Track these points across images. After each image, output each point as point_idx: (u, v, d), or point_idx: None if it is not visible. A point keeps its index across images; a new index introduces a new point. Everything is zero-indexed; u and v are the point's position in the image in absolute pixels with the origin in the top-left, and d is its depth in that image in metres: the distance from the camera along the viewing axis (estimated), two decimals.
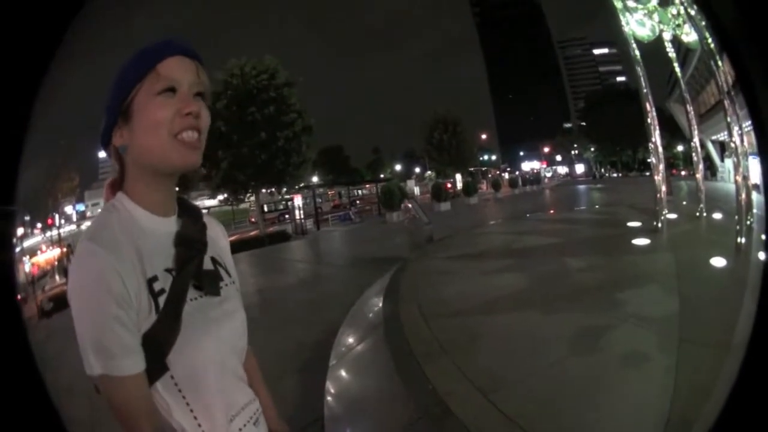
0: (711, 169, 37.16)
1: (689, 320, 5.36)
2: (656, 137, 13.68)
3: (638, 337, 5.29)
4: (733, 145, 11.73)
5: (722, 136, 14.52)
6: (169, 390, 1.04)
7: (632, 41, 14.24)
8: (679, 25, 15.34)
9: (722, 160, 30.90)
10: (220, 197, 29.68)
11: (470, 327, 6.29)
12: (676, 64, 16.74)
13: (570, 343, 5.40)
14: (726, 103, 11.80)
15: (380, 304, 7.91)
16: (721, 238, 10.59)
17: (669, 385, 3.92)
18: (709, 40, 13.88)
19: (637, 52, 14.33)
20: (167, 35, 1.22)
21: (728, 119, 11.70)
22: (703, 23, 13.25)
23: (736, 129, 11.94)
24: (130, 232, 1.05)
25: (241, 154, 25.21)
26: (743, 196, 10.33)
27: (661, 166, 13.49)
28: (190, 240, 1.15)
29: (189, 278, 1.10)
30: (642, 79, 14.06)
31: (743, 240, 9.30)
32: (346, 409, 4.80)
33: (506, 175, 71.77)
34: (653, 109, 13.92)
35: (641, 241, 10.92)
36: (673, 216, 13.53)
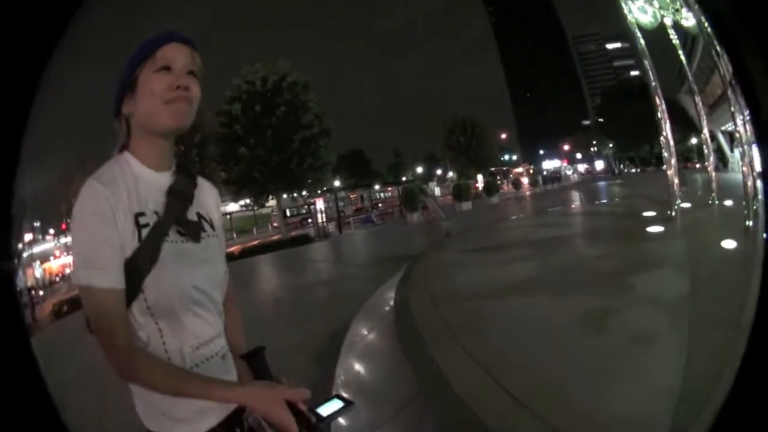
0: (723, 160, 36.61)
1: (700, 301, 5.39)
2: (667, 131, 13.74)
3: (648, 318, 5.34)
4: (737, 135, 11.79)
5: (731, 126, 14.30)
6: (143, 313, 1.23)
7: (636, 30, 14.25)
8: (677, 10, 15.29)
9: (732, 151, 30.33)
10: (242, 202, 30.12)
11: (479, 311, 6.38)
12: (681, 52, 16.58)
13: (579, 325, 5.46)
14: (729, 92, 11.69)
15: (394, 294, 8.04)
16: (730, 224, 10.60)
17: (680, 365, 3.95)
18: (707, 25, 13.82)
19: (642, 41, 14.36)
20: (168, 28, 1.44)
21: (732, 109, 11.70)
22: (698, 6, 13.23)
23: (740, 118, 11.80)
24: (127, 178, 1.28)
25: (256, 155, 25.65)
26: (749, 183, 10.35)
27: (674, 159, 13.58)
28: (177, 192, 1.36)
29: (171, 221, 1.30)
30: (650, 71, 14.08)
31: (751, 223, 9.47)
32: (352, 387, 4.94)
33: (525, 177, 71.07)
34: (663, 102, 13.92)
35: (656, 229, 10.97)
36: (686, 205, 13.62)
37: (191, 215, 1.38)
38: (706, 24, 13.74)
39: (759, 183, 12.22)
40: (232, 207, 34.21)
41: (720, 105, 25.29)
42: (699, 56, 28.39)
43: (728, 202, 13.52)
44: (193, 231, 1.36)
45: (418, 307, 6.81)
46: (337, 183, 55.87)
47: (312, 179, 28.32)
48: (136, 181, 1.29)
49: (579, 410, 3.66)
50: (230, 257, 20.63)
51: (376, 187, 61.20)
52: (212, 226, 1.45)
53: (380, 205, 49.40)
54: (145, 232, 1.24)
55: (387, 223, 31.97)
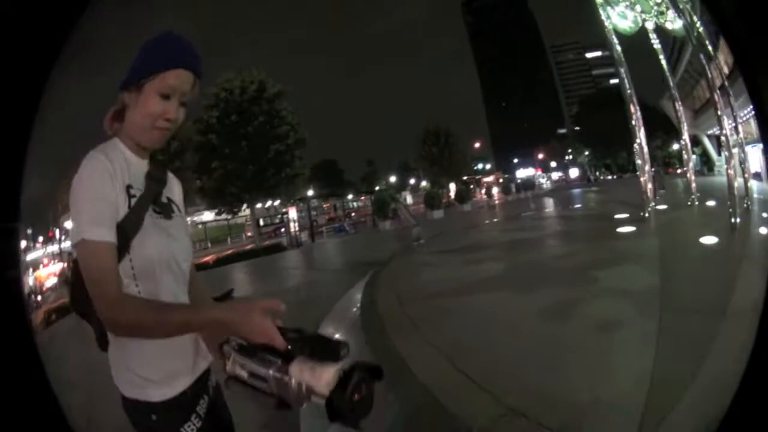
0: (708, 164, 36.72)
1: (670, 292, 5.74)
2: (641, 137, 14.01)
3: (613, 308, 5.63)
4: (723, 138, 12.08)
5: (717, 130, 14.46)
6: (127, 274, 1.44)
7: (614, 37, 14.39)
8: (662, 12, 15.40)
9: (719, 154, 30.75)
10: (216, 211, 30.07)
11: (442, 306, 6.64)
12: (662, 56, 16.77)
13: (541, 315, 5.74)
14: (716, 95, 12.08)
15: (361, 295, 8.24)
16: (708, 222, 11.09)
17: (648, 352, 4.17)
18: (698, 24, 13.99)
19: (619, 48, 14.44)
20: (186, 39, 1.52)
21: (718, 112, 11.98)
22: (689, 6, 13.56)
23: (727, 122, 12.28)
24: (119, 157, 1.50)
25: (231, 168, 25.72)
26: (736, 184, 10.74)
27: (647, 166, 13.99)
28: (154, 176, 1.61)
29: (151, 197, 1.55)
30: (626, 79, 14.21)
31: (738, 220, 9.83)
32: None
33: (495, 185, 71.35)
34: (638, 109, 14.15)
35: (627, 229, 11.34)
36: (663, 207, 14.22)
37: (163, 198, 1.63)
38: (699, 24, 14.11)
39: (754, 182, 12.63)
40: (207, 216, 34.04)
41: (707, 109, 25.92)
42: (686, 60, 28.86)
43: (710, 203, 14.02)
44: (166, 210, 1.61)
45: (383, 304, 7.06)
46: (310, 192, 55.86)
47: (285, 189, 28.42)
48: (125, 162, 1.51)
49: (539, 392, 3.84)
50: (205, 266, 20.70)
51: (349, 196, 61.36)
52: (179, 210, 1.70)
53: (353, 214, 49.53)
54: (133, 201, 1.47)
55: (359, 232, 32.16)
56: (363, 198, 55.97)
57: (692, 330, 4.63)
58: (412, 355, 4.95)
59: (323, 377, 1.20)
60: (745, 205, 11.62)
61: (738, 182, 11.45)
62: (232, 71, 27.59)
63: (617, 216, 13.91)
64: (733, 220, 9.88)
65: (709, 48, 14.55)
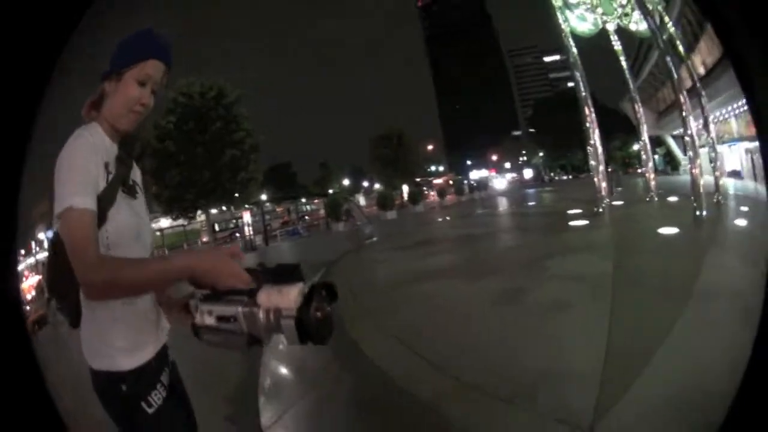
0: (672, 164, 37.50)
1: (622, 277, 6.19)
2: (596, 138, 14.42)
3: (566, 292, 5.99)
4: (688, 138, 12.28)
5: (681, 131, 14.71)
6: (102, 241, 1.57)
7: (570, 40, 14.72)
8: (626, 14, 15.81)
9: (685, 154, 31.06)
10: (172, 217, 29.71)
11: (395, 295, 7.03)
12: (622, 58, 17.24)
13: (494, 300, 6.08)
14: (682, 97, 12.24)
15: None
16: (665, 214, 11.82)
17: (600, 331, 4.44)
18: (669, 24, 14.65)
19: (575, 51, 14.74)
20: (164, 33, 1.70)
21: (683, 113, 12.18)
22: (660, 6, 13.90)
23: (693, 122, 12.54)
24: (99, 139, 1.66)
25: (187, 173, 25.58)
26: (703, 181, 11.14)
27: (601, 167, 14.42)
28: (123, 159, 1.75)
29: (121, 177, 1.71)
30: (581, 81, 14.53)
31: (704, 213, 10.40)
32: (274, 365, 5.28)
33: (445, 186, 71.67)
34: (593, 112, 14.49)
35: (580, 222, 11.78)
36: (619, 203, 14.75)
37: (130, 180, 1.84)
38: (670, 25, 14.38)
39: (731, 180, 12.93)
40: (164, 223, 33.50)
41: (672, 111, 25.78)
42: (652, 62, 29.25)
43: (672, 199, 14.56)
44: (132, 191, 1.82)
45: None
46: (264, 197, 55.44)
47: (240, 194, 28.34)
48: (103, 143, 1.67)
49: (492, 368, 4.11)
50: None
51: (303, 200, 61.17)
52: (141, 192, 1.93)
53: (307, 217, 49.47)
54: (110, 177, 1.64)
55: (313, 234, 32.21)
56: (317, 201, 55.93)
57: (644, 309, 5.00)
58: (365, 340, 5.19)
59: (290, 295, 1.25)
60: (715, 200, 12.06)
61: (705, 180, 11.74)
62: (190, 76, 27.49)
63: (570, 211, 14.29)
64: (698, 212, 10.38)
65: (680, 49, 15.14)
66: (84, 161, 1.55)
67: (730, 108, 20.26)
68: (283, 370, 5.20)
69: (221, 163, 26.41)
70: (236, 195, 28.20)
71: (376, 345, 5.06)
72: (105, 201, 1.59)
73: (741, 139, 20.68)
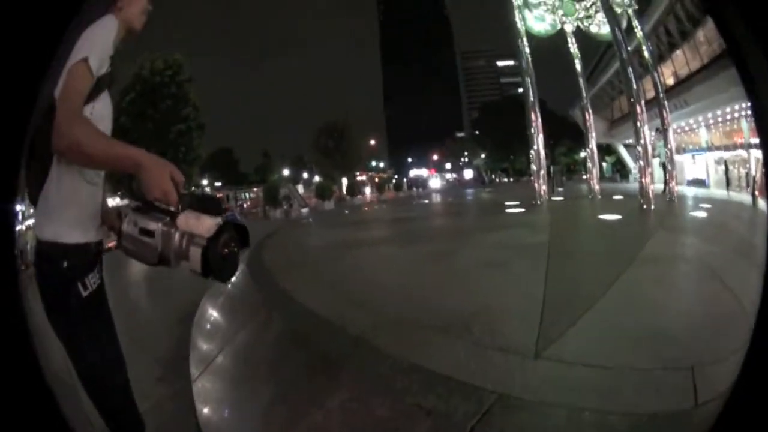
0: (622, 173, 38.90)
1: (554, 244, 6.77)
2: (538, 143, 14.88)
3: (505, 253, 6.46)
4: (639, 148, 12.57)
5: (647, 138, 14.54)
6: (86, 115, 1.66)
7: (524, 45, 14.95)
8: (589, 16, 15.91)
9: (635, 162, 30.54)
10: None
11: (327, 254, 7.50)
12: (577, 61, 17.73)
13: (421, 259, 6.52)
14: (638, 106, 12.45)
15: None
16: (603, 205, 12.48)
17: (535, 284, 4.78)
18: (638, 29, 14.84)
19: (528, 54, 14.96)
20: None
21: (638, 123, 12.42)
22: (623, 10, 14.03)
23: (649, 132, 13.05)
24: (115, 32, 1.79)
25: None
26: (653, 187, 11.71)
27: (542, 170, 15.02)
28: (116, 64, 1.87)
29: (112, 76, 1.84)
30: (531, 87, 14.84)
31: (652, 207, 11.01)
32: (211, 315, 5.57)
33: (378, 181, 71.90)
34: (539, 117, 14.92)
35: (518, 210, 12.31)
36: (558, 198, 15.50)
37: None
38: (638, 29, 14.75)
39: (691, 188, 12.91)
40: (110, 202, 32.74)
41: (625, 120, 26.91)
42: (611, 72, 29.93)
43: (616, 197, 15.08)
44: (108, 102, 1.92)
45: (269, 257, 7.74)
46: (205, 182, 54.66)
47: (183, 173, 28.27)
48: (117, 38, 1.82)
49: (424, 306, 4.36)
50: (109, 251, 19.90)
51: (243, 186, 60.24)
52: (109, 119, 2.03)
53: (245, 205, 49.02)
54: (110, 68, 1.77)
55: (250, 222, 32.10)
56: (256, 189, 55.37)
57: (578, 268, 5.63)
58: (297, 289, 5.44)
59: (206, 224, 1.40)
60: (667, 199, 12.73)
61: (656, 187, 12.35)
62: (148, 51, 27.59)
63: (508, 203, 14.70)
64: (644, 206, 11.03)
65: (647, 56, 15.58)
66: (108, 39, 1.74)
67: (700, 118, 20.65)
68: (215, 315, 5.49)
69: (168, 140, 26.29)
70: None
71: (308, 291, 5.27)
72: (101, 83, 1.74)
73: (710, 148, 21.21)
